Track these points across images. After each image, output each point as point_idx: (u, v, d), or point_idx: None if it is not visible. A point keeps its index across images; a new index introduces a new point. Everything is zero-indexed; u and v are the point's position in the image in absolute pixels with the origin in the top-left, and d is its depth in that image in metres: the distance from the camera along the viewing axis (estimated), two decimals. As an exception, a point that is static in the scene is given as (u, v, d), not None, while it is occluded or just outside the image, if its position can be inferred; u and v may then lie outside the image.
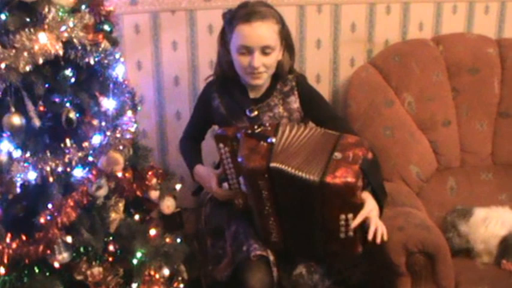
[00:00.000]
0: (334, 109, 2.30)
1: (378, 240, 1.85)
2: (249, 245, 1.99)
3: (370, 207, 1.83)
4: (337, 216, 1.82)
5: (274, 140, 1.90)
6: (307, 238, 1.95)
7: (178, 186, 2.19)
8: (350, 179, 1.76)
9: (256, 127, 1.96)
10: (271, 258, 1.98)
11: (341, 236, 1.85)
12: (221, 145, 2.01)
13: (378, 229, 1.84)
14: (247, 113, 2.08)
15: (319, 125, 2.13)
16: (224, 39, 2.08)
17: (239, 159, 1.90)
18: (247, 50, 1.99)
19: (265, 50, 1.99)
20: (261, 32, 1.97)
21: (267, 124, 1.98)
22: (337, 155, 1.82)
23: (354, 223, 1.81)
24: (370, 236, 1.83)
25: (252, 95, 2.15)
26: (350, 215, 1.81)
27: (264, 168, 1.84)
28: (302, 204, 1.87)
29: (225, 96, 2.16)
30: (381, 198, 1.88)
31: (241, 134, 1.95)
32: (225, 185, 2.11)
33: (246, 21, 1.96)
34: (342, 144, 1.86)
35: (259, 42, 1.98)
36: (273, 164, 1.83)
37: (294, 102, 2.14)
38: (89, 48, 1.70)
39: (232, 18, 2.01)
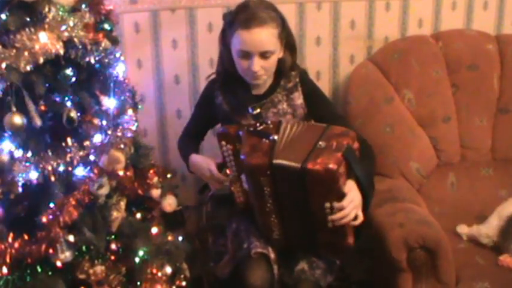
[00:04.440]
0: (334, 107, 2.30)
1: (355, 222, 1.86)
2: (250, 242, 2.00)
3: (351, 196, 1.83)
4: (322, 205, 1.83)
5: (276, 137, 1.91)
6: (303, 231, 1.96)
7: (179, 185, 2.19)
8: (331, 166, 1.76)
9: (258, 125, 1.97)
10: (272, 255, 1.99)
11: (329, 226, 1.86)
12: (223, 143, 2.01)
13: (355, 215, 1.84)
14: (250, 110, 2.09)
15: (319, 121, 2.14)
16: (225, 38, 2.08)
17: (241, 157, 1.91)
18: (247, 55, 1.99)
19: (264, 55, 1.99)
20: (260, 38, 1.96)
21: (269, 122, 1.99)
22: (321, 143, 1.84)
23: (336, 214, 1.81)
24: (343, 221, 1.83)
25: (255, 92, 2.15)
26: (335, 203, 1.82)
27: (266, 164, 1.85)
28: (297, 197, 1.88)
29: (228, 94, 2.16)
30: (365, 188, 1.88)
31: (243, 131, 1.96)
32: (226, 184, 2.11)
33: (245, 27, 1.95)
34: (328, 134, 1.88)
35: (258, 47, 1.97)
36: (275, 161, 1.84)
37: (298, 98, 2.14)
38: (89, 47, 1.70)
39: (233, 21, 2.00)
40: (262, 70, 2.02)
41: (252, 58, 1.99)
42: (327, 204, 1.82)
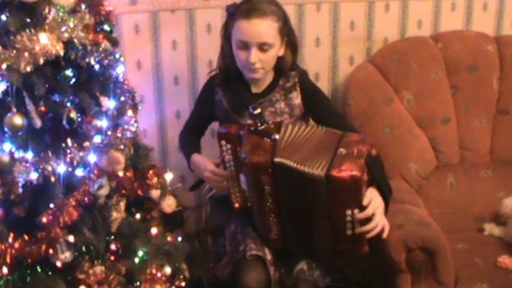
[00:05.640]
0: (334, 106, 2.31)
1: (384, 235, 1.86)
2: (246, 244, 2.00)
3: (376, 203, 1.83)
4: (343, 212, 1.82)
5: (277, 136, 1.91)
6: (312, 237, 1.95)
7: (178, 185, 2.20)
8: (355, 173, 1.76)
9: (259, 124, 1.98)
10: (269, 257, 1.99)
11: (348, 233, 1.85)
12: (223, 142, 2.01)
13: (382, 226, 1.84)
14: (250, 110, 2.09)
15: (319, 121, 2.14)
16: (227, 31, 2.09)
17: (242, 155, 1.91)
18: (245, 45, 2.00)
19: (262, 47, 2.00)
20: (258, 29, 1.98)
21: (270, 122, 2.00)
22: (342, 150, 1.83)
23: (360, 217, 1.80)
24: (371, 234, 1.83)
25: (254, 90, 2.16)
26: (356, 211, 1.80)
27: (268, 162, 1.85)
28: (304, 200, 1.87)
29: (228, 91, 2.17)
30: (386, 195, 1.88)
31: (243, 131, 1.96)
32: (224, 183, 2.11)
33: (246, 17, 1.97)
34: (346, 141, 1.87)
35: (257, 38, 1.98)
36: (277, 159, 1.84)
37: (296, 98, 2.14)
38: (89, 48, 1.70)
39: (234, 12, 2.02)
40: (259, 63, 2.02)
41: (250, 49, 2.00)
42: (349, 212, 1.81)
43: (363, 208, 1.80)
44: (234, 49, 2.05)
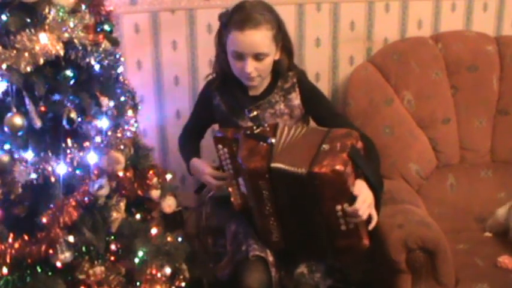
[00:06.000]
0: (333, 105, 2.30)
1: (370, 227, 1.87)
2: (248, 245, 2.00)
3: (363, 196, 1.81)
4: (333, 208, 1.81)
5: (273, 140, 1.91)
6: (312, 237, 1.95)
7: (179, 186, 2.19)
8: (338, 167, 1.75)
9: (255, 128, 1.97)
10: (270, 259, 1.98)
11: (342, 229, 1.85)
12: (220, 146, 2.02)
13: (368, 216, 1.84)
14: (246, 113, 2.09)
15: (320, 121, 2.14)
16: (221, 38, 2.09)
17: (239, 160, 1.91)
18: (240, 56, 1.99)
19: (258, 57, 1.99)
20: (253, 40, 1.96)
21: (266, 125, 1.99)
22: (325, 146, 1.83)
23: (350, 211, 1.79)
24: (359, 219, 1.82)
25: (252, 93, 2.15)
26: (346, 205, 1.80)
27: (264, 168, 1.85)
28: (300, 201, 1.88)
29: (225, 95, 2.17)
30: (375, 186, 1.87)
31: (240, 135, 1.96)
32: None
33: (239, 28, 1.95)
34: (331, 136, 1.87)
35: (252, 49, 1.97)
36: (273, 164, 1.84)
37: (295, 99, 2.14)
38: (89, 48, 1.70)
39: (228, 22, 2.00)
40: (255, 72, 2.02)
41: (245, 60, 1.99)
42: (338, 207, 1.81)
43: (352, 201, 1.79)
44: (230, 58, 2.04)
